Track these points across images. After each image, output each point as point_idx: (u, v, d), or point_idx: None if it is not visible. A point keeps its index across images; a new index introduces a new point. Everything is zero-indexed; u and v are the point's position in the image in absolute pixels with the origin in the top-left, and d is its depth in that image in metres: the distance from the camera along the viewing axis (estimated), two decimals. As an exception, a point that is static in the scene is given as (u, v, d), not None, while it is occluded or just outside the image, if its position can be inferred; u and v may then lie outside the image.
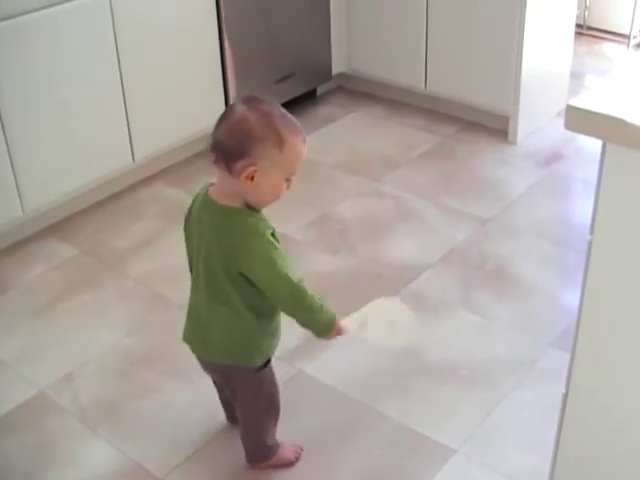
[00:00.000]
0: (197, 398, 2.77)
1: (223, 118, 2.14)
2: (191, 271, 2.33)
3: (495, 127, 4.43)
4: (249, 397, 2.43)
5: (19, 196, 3.47)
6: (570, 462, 2.00)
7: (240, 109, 2.11)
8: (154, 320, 3.16)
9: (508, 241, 3.56)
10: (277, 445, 2.55)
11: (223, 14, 4.01)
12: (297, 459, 2.57)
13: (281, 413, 2.52)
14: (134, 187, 4.03)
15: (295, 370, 2.88)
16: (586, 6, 5.64)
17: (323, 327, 2.26)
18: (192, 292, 2.34)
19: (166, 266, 3.44)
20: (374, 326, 2.31)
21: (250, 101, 2.15)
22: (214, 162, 2.15)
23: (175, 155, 4.17)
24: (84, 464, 2.58)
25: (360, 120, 4.66)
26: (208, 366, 2.44)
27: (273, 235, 2.18)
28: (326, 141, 4.40)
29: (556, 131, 4.34)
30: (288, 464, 2.56)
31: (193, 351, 2.41)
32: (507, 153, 4.26)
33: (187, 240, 2.32)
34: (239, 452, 2.56)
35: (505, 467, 2.50)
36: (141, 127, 3.87)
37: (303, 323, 2.27)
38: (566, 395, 1.91)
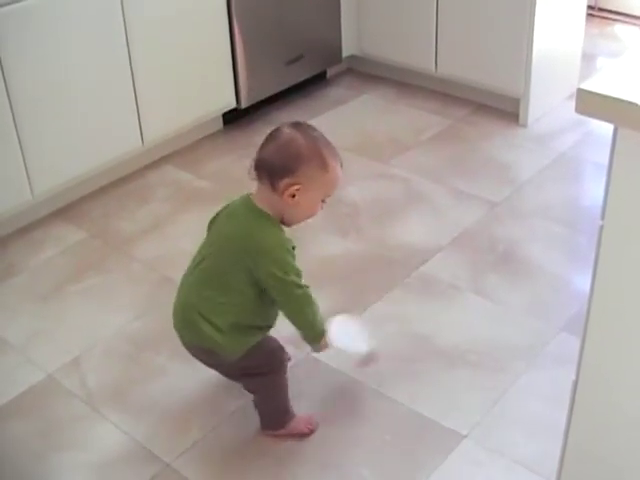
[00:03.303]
0: (205, 382, 2.76)
1: (270, 139, 2.31)
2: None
3: (506, 109, 4.40)
4: (244, 375, 2.50)
5: (28, 180, 3.46)
6: (580, 448, 1.99)
7: (288, 131, 2.30)
8: (162, 303, 3.14)
9: (518, 224, 3.54)
10: (292, 414, 2.56)
11: (232, -5, 4.00)
12: (311, 431, 2.57)
13: (289, 397, 2.53)
14: (143, 170, 4.02)
15: (303, 354, 2.87)
16: (598, -13, 5.61)
17: (317, 334, 2.43)
18: (187, 278, 2.46)
19: (174, 249, 3.43)
20: (343, 338, 2.49)
21: (297, 125, 2.34)
22: (257, 179, 2.30)
23: (184, 138, 4.16)
24: (92, 447, 2.58)
25: (370, 102, 4.64)
26: (194, 349, 2.47)
27: (293, 249, 2.35)
28: (336, 123, 4.37)
29: (567, 113, 4.30)
30: (301, 435, 2.57)
31: (180, 334, 2.49)
32: (518, 136, 4.24)
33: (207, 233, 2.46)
34: (247, 437, 2.57)
35: (515, 452, 2.48)
36: (150, 110, 3.85)
37: (302, 326, 2.42)
38: (576, 382, 1.89)
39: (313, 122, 4.23)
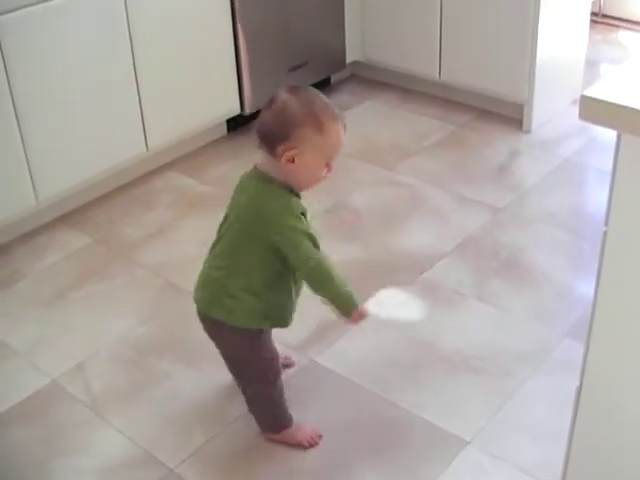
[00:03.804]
0: (209, 387, 2.77)
1: (267, 105, 2.27)
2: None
3: (509, 115, 4.40)
4: (243, 364, 2.49)
5: (32, 185, 3.47)
6: (584, 454, 1.99)
7: (283, 96, 2.25)
8: (166, 309, 3.15)
9: (522, 230, 3.54)
10: (289, 421, 2.57)
11: (236, 2, 4.00)
12: (311, 445, 2.56)
13: (286, 405, 2.53)
14: (147, 176, 4.03)
15: (307, 360, 2.88)
16: (601, -7, 5.61)
17: (348, 304, 2.31)
18: (208, 255, 2.44)
19: (179, 255, 3.43)
20: (389, 306, 2.40)
21: (293, 89, 2.28)
22: (258, 147, 2.28)
23: (189, 144, 4.16)
24: (95, 453, 2.58)
25: (374, 109, 4.65)
26: (205, 322, 2.46)
27: (304, 215, 2.30)
28: (339, 130, 4.37)
29: (570, 119, 4.31)
30: (300, 446, 2.56)
31: (201, 311, 2.45)
32: (521, 142, 4.24)
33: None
34: (251, 443, 2.57)
35: (518, 458, 2.48)
36: (154, 116, 3.85)
37: (328, 297, 2.31)
38: (580, 388, 1.89)
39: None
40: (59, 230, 3.65)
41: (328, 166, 2.29)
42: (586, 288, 3.10)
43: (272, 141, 2.22)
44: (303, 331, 2.99)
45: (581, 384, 1.89)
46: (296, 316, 2.80)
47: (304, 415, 2.64)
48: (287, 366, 2.80)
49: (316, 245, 2.29)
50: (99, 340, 3.02)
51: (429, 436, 2.58)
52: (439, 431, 2.59)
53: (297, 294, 2.45)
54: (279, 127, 2.21)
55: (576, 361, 1.90)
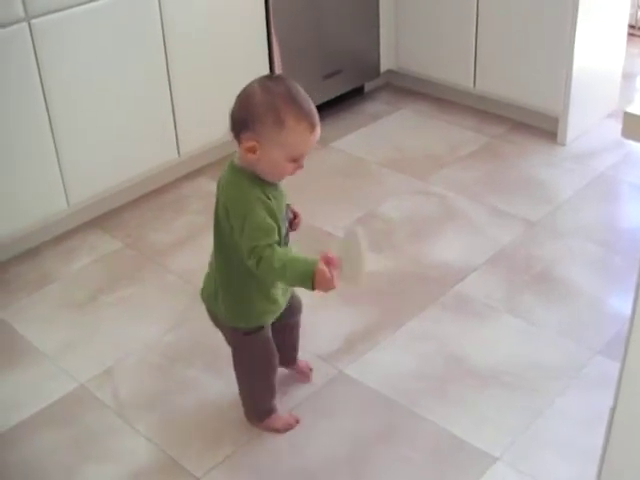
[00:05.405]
0: (237, 396, 2.75)
1: (240, 92, 2.23)
2: None
3: (544, 128, 4.37)
4: (235, 355, 2.56)
5: (64, 189, 3.48)
6: (616, 476, 1.96)
7: (253, 86, 2.20)
8: (195, 316, 3.13)
9: (555, 244, 3.50)
10: (272, 411, 2.63)
11: (271, 9, 3.99)
12: (286, 430, 2.63)
13: (321, 413, 2.52)
14: (178, 181, 4.03)
15: (336, 371, 2.86)
16: (639, 6, 5.55)
17: (304, 284, 2.17)
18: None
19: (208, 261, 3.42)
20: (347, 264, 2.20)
21: (266, 79, 2.25)
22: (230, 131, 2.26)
23: (220, 150, 4.15)
24: (122, 459, 2.57)
25: (407, 118, 4.63)
26: (213, 318, 2.54)
27: (268, 207, 2.23)
28: (373, 138, 4.36)
29: (606, 133, 4.28)
30: (276, 432, 2.63)
31: (203, 300, 2.55)
32: (556, 154, 4.20)
33: None
34: (278, 453, 2.56)
35: (547, 476, 2.45)
36: (187, 122, 3.86)
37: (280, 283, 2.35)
38: (614, 408, 1.86)
39: (350, 137, 4.28)
40: (90, 234, 3.66)
41: (296, 162, 2.21)
42: (620, 304, 3.08)
43: (236, 129, 2.21)
44: (333, 342, 2.97)
45: (615, 405, 1.86)
46: (325, 327, 2.78)
47: (331, 425, 2.62)
48: (302, 378, 2.84)
49: (268, 234, 2.19)
50: (128, 345, 3.02)
51: (457, 451, 2.56)
52: (467, 446, 2.57)
53: (269, 291, 2.41)
54: (242, 116, 2.18)
55: (608, 378, 1.88)
